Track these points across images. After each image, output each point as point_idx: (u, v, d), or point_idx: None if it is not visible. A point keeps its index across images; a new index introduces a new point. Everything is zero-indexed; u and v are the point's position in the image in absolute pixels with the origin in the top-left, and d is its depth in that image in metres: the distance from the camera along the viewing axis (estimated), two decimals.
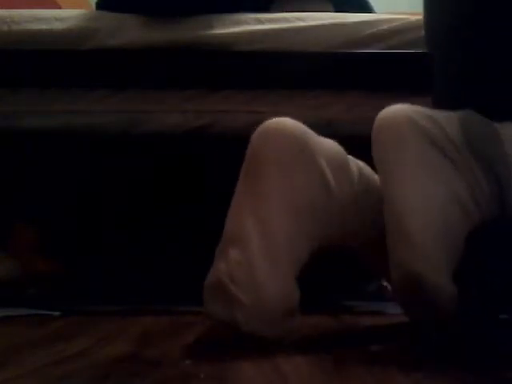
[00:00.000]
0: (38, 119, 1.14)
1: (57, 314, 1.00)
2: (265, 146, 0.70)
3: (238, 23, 1.16)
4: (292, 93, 1.14)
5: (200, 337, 0.77)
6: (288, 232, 0.66)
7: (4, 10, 1.20)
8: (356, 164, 0.76)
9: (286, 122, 0.72)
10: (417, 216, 0.62)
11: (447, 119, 0.68)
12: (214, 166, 1.21)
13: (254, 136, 0.72)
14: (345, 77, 1.14)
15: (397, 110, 0.69)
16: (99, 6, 1.24)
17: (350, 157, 0.76)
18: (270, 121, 0.72)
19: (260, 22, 1.16)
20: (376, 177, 0.75)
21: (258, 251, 0.65)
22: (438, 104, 0.84)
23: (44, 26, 1.16)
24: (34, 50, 1.15)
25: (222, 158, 1.20)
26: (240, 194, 0.70)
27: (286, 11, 1.20)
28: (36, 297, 1.18)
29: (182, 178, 1.22)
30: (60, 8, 1.99)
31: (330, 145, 0.74)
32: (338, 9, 1.33)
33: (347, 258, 0.88)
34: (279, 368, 0.57)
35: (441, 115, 0.69)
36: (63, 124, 1.14)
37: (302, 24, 1.16)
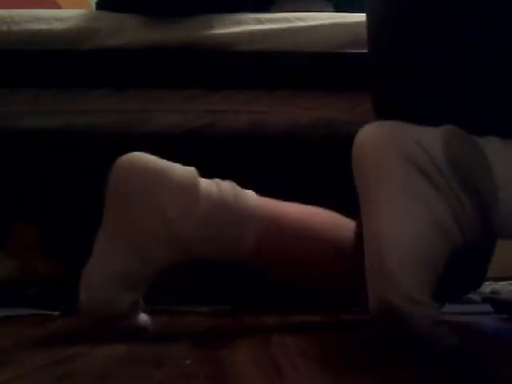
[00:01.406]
0: (38, 119, 1.14)
1: (57, 314, 1.00)
2: (115, 182, 0.76)
3: (238, 23, 1.16)
4: (292, 93, 1.14)
5: (200, 337, 0.77)
6: (123, 260, 0.74)
7: (4, 10, 1.20)
8: (216, 184, 0.79)
9: (137, 159, 0.77)
10: (394, 247, 0.62)
11: (431, 140, 0.66)
12: (214, 165, 1.21)
13: (111, 172, 0.77)
14: (345, 77, 1.14)
15: (378, 131, 0.67)
16: (99, 6, 1.24)
17: (205, 180, 0.79)
18: (124, 157, 0.77)
19: (260, 21, 1.16)
20: (241, 194, 0.79)
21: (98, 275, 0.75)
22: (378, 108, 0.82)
23: (44, 26, 1.16)
24: (33, 49, 1.15)
25: (221, 157, 1.21)
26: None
27: (286, 11, 1.20)
28: (36, 297, 1.18)
29: None
30: (60, 8, 2.00)
31: (181, 174, 0.77)
32: (338, 9, 1.33)
33: None
34: (279, 368, 0.57)
35: (425, 135, 0.67)
36: (63, 124, 1.14)
37: (301, 24, 1.16)
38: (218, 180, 0.81)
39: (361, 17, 1.18)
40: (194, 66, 1.16)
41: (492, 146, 0.68)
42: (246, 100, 1.14)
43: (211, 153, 1.19)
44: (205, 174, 1.24)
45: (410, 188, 0.64)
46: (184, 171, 0.78)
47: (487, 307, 1.13)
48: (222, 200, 0.77)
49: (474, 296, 1.29)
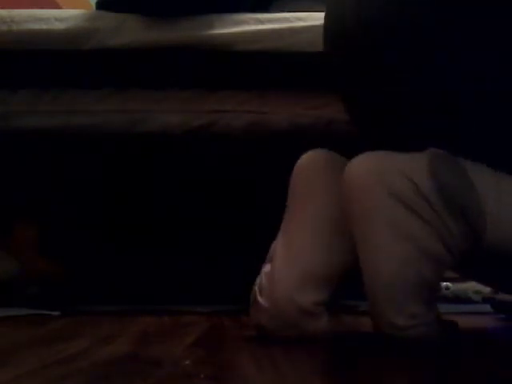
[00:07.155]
0: (38, 119, 1.14)
1: (57, 313, 1.00)
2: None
3: (238, 23, 1.16)
4: (292, 93, 1.14)
5: (200, 337, 0.77)
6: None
7: (4, 10, 1.20)
8: None
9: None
10: (382, 280, 0.68)
11: (417, 168, 0.68)
12: (214, 165, 1.21)
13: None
14: None
15: (367, 165, 0.70)
16: (99, 6, 1.24)
17: None
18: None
19: (260, 21, 1.16)
20: None
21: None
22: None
23: (44, 26, 1.16)
24: (34, 49, 1.15)
25: (221, 157, 1.21)
26: None
27: (286, 11, 1.20)
28: (36, 297, 1.18)
29: (182, 178, 1.22)
30: (60, 8, 2.00)
31: None
32: None
33: None
34: (279, 368, 0.57)
35: (411, 164, 0.69)
36: (63, 124, 1.14)
37: (301, 24, 1.16)
38: None
39: None
40: (194, 65, 1.16)
41: (475, 168, 0.70)
42: (246, 100, 1.14)
43: (211, 153, 1.19)
44: (204, 174, 1.24)
45: (396, 225, 0.68)
46: None
47: (487, 307, 1.13)
48: None
49: (474, 296, 1.29)
